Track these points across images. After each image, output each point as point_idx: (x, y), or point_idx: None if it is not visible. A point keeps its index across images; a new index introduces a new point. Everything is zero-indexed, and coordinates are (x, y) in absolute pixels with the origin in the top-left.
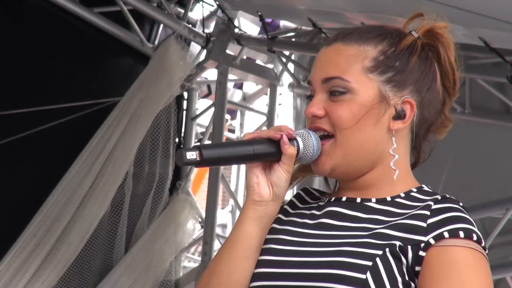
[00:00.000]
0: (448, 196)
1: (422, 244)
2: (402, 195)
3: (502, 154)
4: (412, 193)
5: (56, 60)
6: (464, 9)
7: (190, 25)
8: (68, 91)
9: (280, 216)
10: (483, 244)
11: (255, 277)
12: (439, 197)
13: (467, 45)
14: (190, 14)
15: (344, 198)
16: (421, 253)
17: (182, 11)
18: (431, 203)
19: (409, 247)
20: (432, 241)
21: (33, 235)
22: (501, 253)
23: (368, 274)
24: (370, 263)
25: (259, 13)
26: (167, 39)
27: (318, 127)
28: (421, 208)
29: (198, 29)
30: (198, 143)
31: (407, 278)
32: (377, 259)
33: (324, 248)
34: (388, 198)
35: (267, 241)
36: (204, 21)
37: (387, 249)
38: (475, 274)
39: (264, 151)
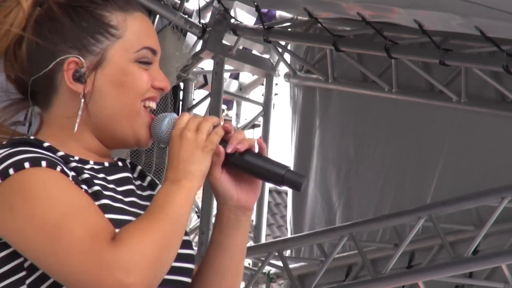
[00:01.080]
0: None
1: None
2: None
3: (498, 143)
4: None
5: None
6: None
7: (186, 16)
8: None
9: (102, 182)
10: None
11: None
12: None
13: (463, 34)
14: (186, 4)
15: (120, 163)
16: None
17: (178, 1)
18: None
19: None
20: None
21: None
22: (496, 242)
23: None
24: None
25: (255, 3)
26: (163, 30)
27: (156, 98)
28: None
29: (194, 19)
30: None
31: None
32: None
33: None
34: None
35: (107, 198)
36: (200, 12)
37: None
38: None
39: None
